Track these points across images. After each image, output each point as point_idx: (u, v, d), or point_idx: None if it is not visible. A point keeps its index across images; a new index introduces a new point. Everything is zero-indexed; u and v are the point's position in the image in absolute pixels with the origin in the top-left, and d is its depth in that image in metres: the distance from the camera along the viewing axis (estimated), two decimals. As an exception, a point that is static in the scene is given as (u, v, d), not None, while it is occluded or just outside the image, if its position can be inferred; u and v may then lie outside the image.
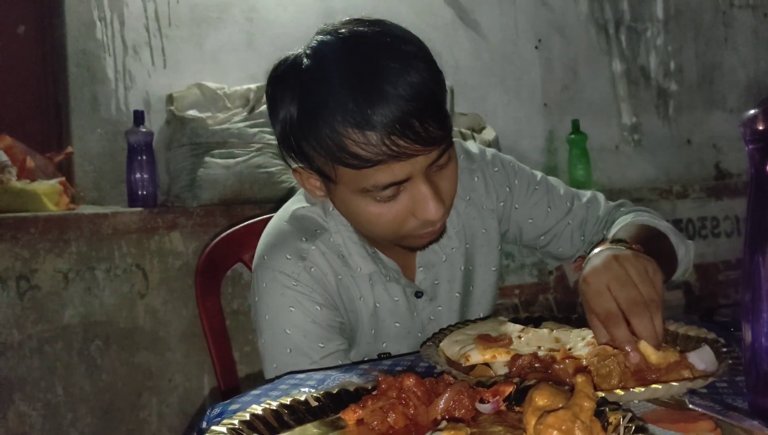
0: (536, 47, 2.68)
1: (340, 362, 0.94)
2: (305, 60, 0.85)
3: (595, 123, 2.71)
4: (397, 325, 1.02)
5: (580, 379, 0.53)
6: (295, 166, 0.90)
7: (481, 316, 1.09)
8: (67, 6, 2.02)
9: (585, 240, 1.11)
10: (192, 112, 2.02)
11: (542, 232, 1.10)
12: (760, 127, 0.58)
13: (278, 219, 1.02)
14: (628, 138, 2.86)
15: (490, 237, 1.09)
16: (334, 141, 0.79)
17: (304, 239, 0.97)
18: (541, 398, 0.53)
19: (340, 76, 0.80)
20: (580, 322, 0.86)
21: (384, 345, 1.02)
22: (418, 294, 1.03)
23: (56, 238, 1.76)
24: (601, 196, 1.14)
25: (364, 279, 0.99)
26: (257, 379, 1.97)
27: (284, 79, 0.87)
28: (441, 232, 0.93)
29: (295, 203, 1.03)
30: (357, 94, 0.78)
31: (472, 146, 1.12)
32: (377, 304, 1.00)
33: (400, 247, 0.95)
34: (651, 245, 0.87)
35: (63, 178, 1.89)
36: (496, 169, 1.09)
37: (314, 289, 0.95)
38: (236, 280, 1.96)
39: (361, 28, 0.84)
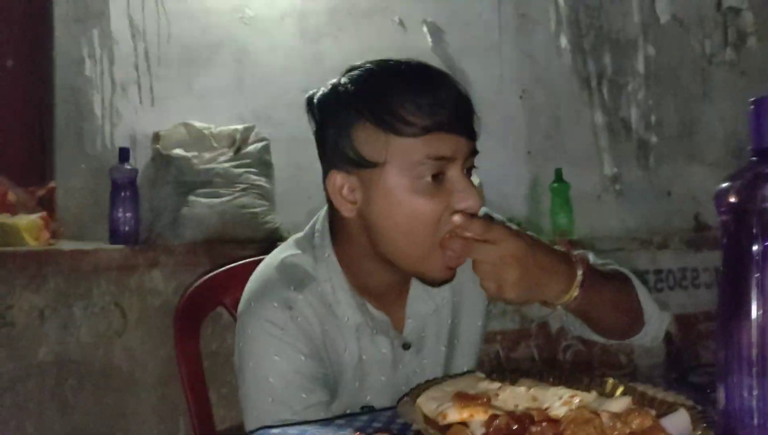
0: (521, 97, 2.73)
1: (322, 415, 0.92)
2: (356, 71, 0.92)
3: (578, 172, 2.75)
4: (383, 378, 1.00)
5: (555, 446, 0.53)
6: (331, 170, 0.91)
7: (465, 369, 1.07)
8: (57, 42, 2.04)
9: None
10: (178, 151, 2.03)
11: None
12: (732, 200, 0.60)
13: (266, 266, 1.02)
14: (609, 188, 2.90)
15: (478, 291, 1.04)
16: (393, 111, 0.86)
17: (292, 288, 0.96)
18: (516, 465, 0.53)
19: (397, 66, 0.91)
20: (558, 380, 0.87)
21: (368, 398, 1.00)
22: (406, 346, 1.02)
23: (34, 273, 1.74)
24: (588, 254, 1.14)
25: (351, 330, 0.98)
26: (233, 423, 1.94)
27: (337, 85, 0.92)
28: (455, 274, 0.94)
29: (285, 251, 1.03)
30: (411, 74, 0.90)
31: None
32: (363, 357, 0.99)
33: (419, 279, 0.95)
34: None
35: (44, 213, 1.88)
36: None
37: (299, 338, 0.94)
38: (216, 321, 1.94)
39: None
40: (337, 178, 0.91)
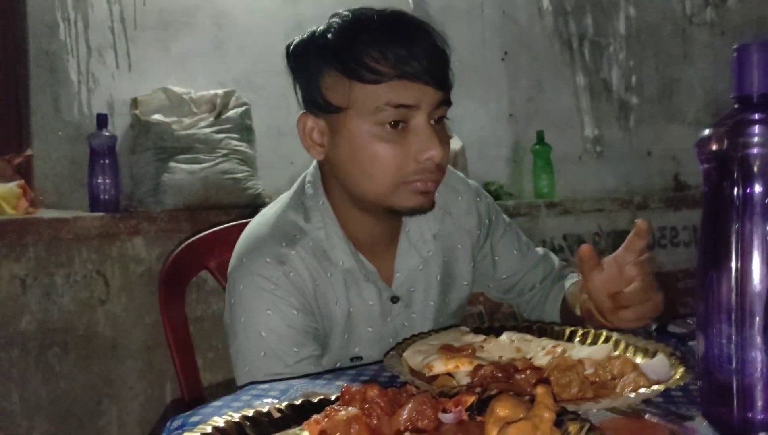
0: (502, 59, 2.72)
1: (313, 368, 0.93)
2: (333, 18, 0.94)
3: (559, 134, 2.76)
4: (370, 329, 1.02)
5: (540, 390, 0.54)
6: (302, 111, 0.95)
7: (450, 323, 1.11)
8: (30, 6, 1.98)
9: (541, 286, 1.17)
10: (157, 117, 2.00)
11: (508, 271, 1.16)
12: (714, 148, 0.60)
13: (257, 224, 1.02)
14: (590, 149, 2.92)
15: (465, 253, 1.11)
16: (356, 59, 0.87)
17: (284, 244, 0.97)
18: (502, 409, 0.54)
19: (370, 15, 0.91)
20: (541, 332, 0.88)
21: (356, 350, 1.02)
22: (394, 299, 1.04)
23: (14, 242, 1.72)
24: (552, 254, 1.22)
25: (342, 281, 0.99)
26: (221, 387, 1.95)
27: (313, 33, 0.94)
28: (431, 202, 0.95)
29: (275, 207, 1.04)
30: (383, 23, 0.90)
31: (456, 174, 1.17)
32: (351, 309, 1.00)
33: (389, 213, 0.96)
34: None
35: (22, 182, 1.85)
36: (478, 199, 1.14)
37: (292, 293, 0.95)
38: (200, 286, 1.94)
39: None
40: (308, 121, 0.95)
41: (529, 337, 0.85)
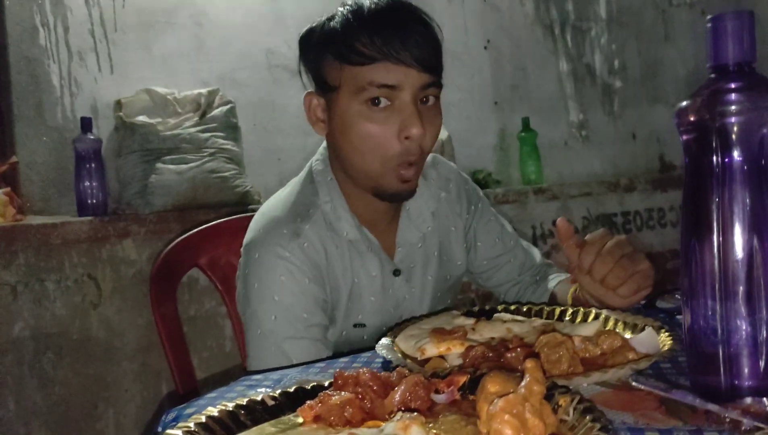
0: (485, 47, 2.72)
1: (320, 336, 0.99)
2: (340, 7, 1.01)
3: (544, 120, 2.77)
4: (373, 299, 1.07)
5: (529, 364, 0.54)
6: (307, 90, 1.04)
7: (449, 303, 1.20)
8: (8, 11, 1.96)
9: (519, 279, 1.24)
10: (141, 118, 1.99)
11: (486, 257, 1.23)
12: (692, 118, 0.61)
13: (272, 203, 1.09)
14: (575, 134, 2.93)
15: (458, 235, 1.19)
16: (347, 43, 0.95)
17: (299, 220, 1.03)
18: (493, 385, 0.54)
19: (366, 5, 0.98)
20: (531, 312, 0.89)
21: (359, 317, 1.07)
22: (396, 272, 1.10)
23: (3, 250, 1.71)
24: (535, 248, 1.29)
25: (347, 252, 1.05)
26: (216, 379, 1.95)
27: (319, 22, 1.02)
28: (415, 186, 1.02)
29: (289, 187, 1.11)
30: (375, 11, 0.96)
31: (449, 162, 1.26)
32: (355, 279, 1.06)
33: (376, 196, 1.02)
34: None
35: (8, 189, 1.84)
36: (467, 186, 1.23)
37: (306, 264, 1.00)
38: (192, 286, 1.94)
39: None
40: (312, 99, 1.04)
41: (519, 317, 0.85)
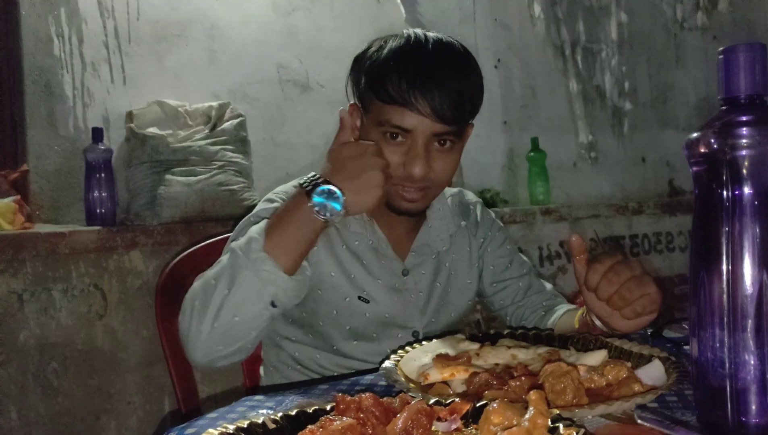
0: (496, 66, 2.73)
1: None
2: (390, 39, 1.08)
3: (554, 141, 2.77)
4: (380, 284, 1.14)
5: (533, 396, 0.54)
6: (352, 101, 1.12)
7: (452, 316, 1.23)
8: (24, 22, 1.98)
9: (524, 303, 1.28)
10: (152, 130, 2.00)
11: (496, 280, 1.29)
12: (703, 150, 0.60)
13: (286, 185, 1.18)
14: (585, 155, 2.92)
15: (472, 257, 1.27)
16: (379, 78, 1.03)
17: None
18: (496, 416, 0.54)
19: (411, 44, 1.05)
20: (536, 339, 0.88)
21: (365, 293, 1.13)
22: (404, 272, 1.17)
23: (11, 257, 1.72)
24: (547, 283, 1.34)
25: (354, 238, 1.14)
26: (218, 399, 1.94)
27: (367, 49, 1.10)
28: (420, 207, 1.11)
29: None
30: (411, 53, 1.03)
31: (472, 194, 1.37)
32: (365, 261, 1.13)
33: (388, 208, 1.10)
34: None
35: (18, 197, 1.85)
36: (487, 216, 1.33)
37: None
38: (197, 299, 1.93)
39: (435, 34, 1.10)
40: (354, 109, 1.11)
41: (524, 343, 0.85)
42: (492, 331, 0.92)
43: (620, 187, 2.94)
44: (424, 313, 1.18)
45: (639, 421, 0.60)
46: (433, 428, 0.60)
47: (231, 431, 0.59)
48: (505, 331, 0.92)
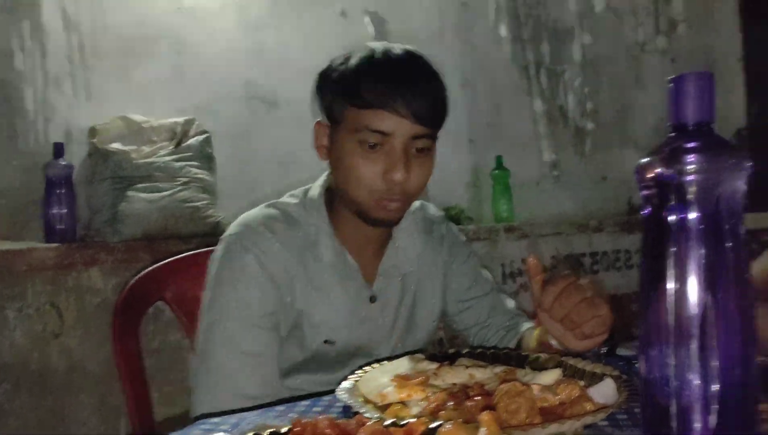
0: (462, 85, 2.77)
1: (273, 327, 1.04)
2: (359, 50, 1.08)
3: (518, 159, 2.81)
4: (345, 320, 1.11)
5: (485, 417, 0.54)
6: (318, 119, 1.10)
7: (418, 338, 1.22)
8: (-16, 34, 1.95)
9: (488, 323, 1.27)
10: (115, 145, 1.98)
11: (459, 299, 1.27)
12: (651, 175, 0.62)
13: (254, 209, 1.13)
14: (548, 174, 2.97)
15: (437, 275, 1.25)
16: (354, 85, 1.02)
17: (278, 221, 1.09)
18: (448, 437, 0.54)
19: (381, 51, 1.05)
20: (494, 358, 0.89)
21: (331, 335, 1.10)
22: (372, 299, 1.14)
23: (-35, 275, 1.68)
24: (510, 299, 1.33)
25: (325, 271, 1.10)
26: (176, 421, 1.91)
27: (340, 59, 1.08)
28: (400, 217, 1.09)
29: (277, 200, 1.16)
30: (386, 59, 1.04)
31: (437, 209, 1.35)
32: (329, 299, 1.09)
33: (364, 221, 1.08)
34: None
35: (-26, 213, 1.81)
36: (450, 231, 1.31)
37: (274, 260, 1.05)
38: (158, 317, 1.91)
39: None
40: (320, 127, 1.10)
41: (482, 363, 0.86)
42: (451, 350, 0.92)
43: (582, 205, 2.99)
44: (391, 337, 1.17)
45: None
46: (387, 449, 0.60)
47: (183, 455, 0.58)
48: (464, 350, 0.92)
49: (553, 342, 0.95)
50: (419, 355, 0.89)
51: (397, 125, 1.01)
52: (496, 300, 1.29)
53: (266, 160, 2.31)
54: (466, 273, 1.28)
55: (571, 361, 0.83)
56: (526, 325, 1.21)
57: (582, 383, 0.74)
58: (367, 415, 0.67)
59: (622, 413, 0.69)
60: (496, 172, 2.70)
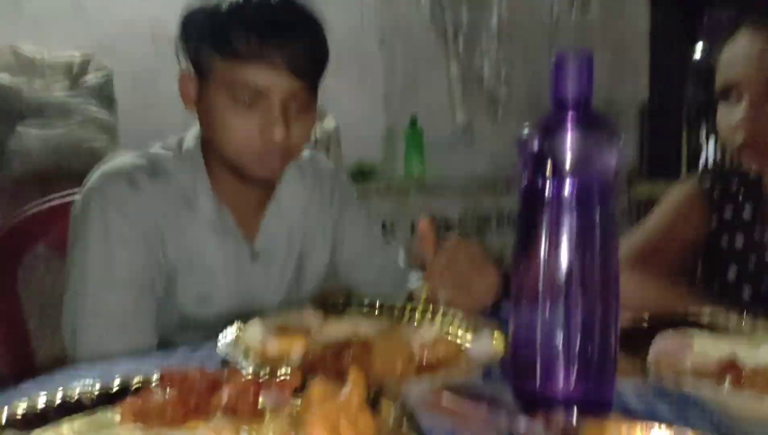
0: (380, 44, 2.75)
1: (141, 291, 0.98)
2: None
3: (432, 120, 2.84)
4: (225, 279, 1.06)
5: (353, 372, 0.55)
6: (182, 70, 1.01)
7: (304, 297, 1.17)
8: None
9: (378, 282, 1.24)
10: (2, 77, 1.84)
11: (349, 254, 1.23)
12: (530, 147, 0.65)
13: (124, 155, 1.06)
14: (460, 136, 3.02)
15: (325, 231, 1.20)
16: (224, 35, 0.93)
17: (144, 174, 1.01)
18: (316, 390, 0.55)
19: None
20: (380, 310, 0.91)
21: (210, 295, 1.05)
22: (254, 255, 1.09)
23: None
24: (401, 253, 1.30)
25: (202, 226, 1.04)
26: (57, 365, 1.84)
27: (207, 3, 0.98)
28: (278, 174, 1.04)
29: (148, 148, 1.09)
30: (259, 7, 0.95)
31: (328, 161, 1.28)
32: (209, 253, 1.04)
33: (242, 178, 1.02)
34: None
35: None
36: (341, 184, 1.24)
37: (139, 218, 0.98)
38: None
39: None
40: (186, 80, 1.01)
41: (368, 315, 0.87)
42: (341, 301, 0.93)
43: (492, 168, 3.06)
44: (277, 297, 1.13)
45: (446, 399, 0.64)
46: (260, 401, 0.60)
47: (43, 403, 0.56)
48: (352, 303, 0.94)
49: (441, 302, 0.97)
50: (308, 308, 0.90)
51: (274, 80, 0.94)
52: (386, 258, 1.27)
53: (172, 101, 2.21)
54: (357, 229, 1.24)
55: (452, 317, 0.86)
56: (415, 282, 1.23)
57: (459, 340, 0.77)
58: (243, 367, 0.67)
59: (497, 367, 0.72)
60: (410, 130, 2.72)
